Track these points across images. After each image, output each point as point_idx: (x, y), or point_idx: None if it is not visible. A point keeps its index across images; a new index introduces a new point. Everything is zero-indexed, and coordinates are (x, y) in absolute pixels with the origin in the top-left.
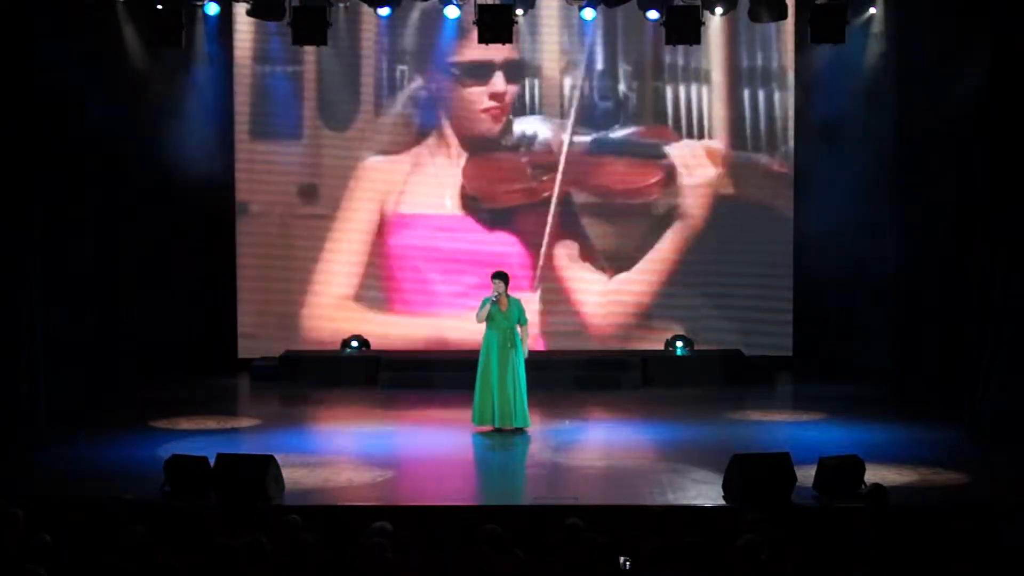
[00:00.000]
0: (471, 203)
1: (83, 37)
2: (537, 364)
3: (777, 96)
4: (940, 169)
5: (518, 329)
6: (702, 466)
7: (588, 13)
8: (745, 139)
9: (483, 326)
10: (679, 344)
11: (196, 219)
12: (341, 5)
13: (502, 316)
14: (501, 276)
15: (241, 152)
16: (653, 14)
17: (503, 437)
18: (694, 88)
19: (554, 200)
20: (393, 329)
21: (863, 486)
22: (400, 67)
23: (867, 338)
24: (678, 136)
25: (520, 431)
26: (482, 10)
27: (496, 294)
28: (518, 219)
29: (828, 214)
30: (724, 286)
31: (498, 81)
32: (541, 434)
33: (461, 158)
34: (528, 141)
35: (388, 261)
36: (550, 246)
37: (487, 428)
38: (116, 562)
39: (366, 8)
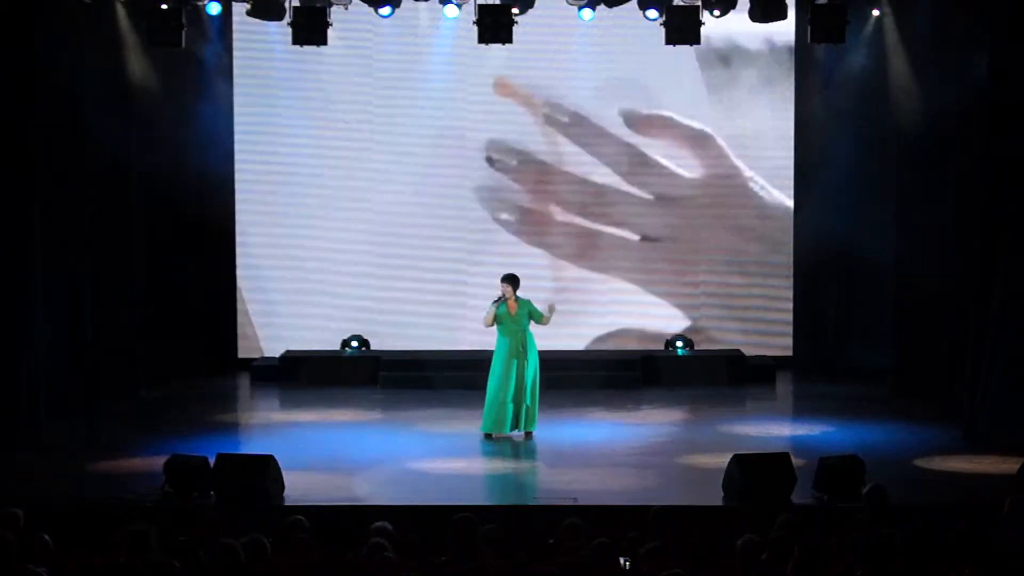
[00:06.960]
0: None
1: (83, 38)
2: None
3: (777, 97)
4: (940, 169)
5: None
6: (702, 466)
7: (587, 13)
8: (746, 138)
9: (492, 328)
10: (679, 344)
11: (196, 219)
12: (341, 5)
13: (511, 320)
14: (510, 279)
15: (241, 152)
16: (653, 13)
17: (505, 439)
18: (693, 87)
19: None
20: (393, 329)
21: (863, 486)
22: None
23: (867, 338)
24: (677, 135)
25: (528, 435)
26: (482, 10)
27: (504, 297)
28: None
29: (829, 214)
30: (724, 286)
31: None
32: (542, 434)
33: (469, 160)
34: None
35: (389, 261)
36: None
37: (495, 435)
38: (116, 562)
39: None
